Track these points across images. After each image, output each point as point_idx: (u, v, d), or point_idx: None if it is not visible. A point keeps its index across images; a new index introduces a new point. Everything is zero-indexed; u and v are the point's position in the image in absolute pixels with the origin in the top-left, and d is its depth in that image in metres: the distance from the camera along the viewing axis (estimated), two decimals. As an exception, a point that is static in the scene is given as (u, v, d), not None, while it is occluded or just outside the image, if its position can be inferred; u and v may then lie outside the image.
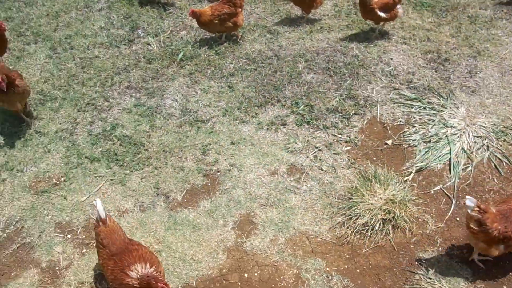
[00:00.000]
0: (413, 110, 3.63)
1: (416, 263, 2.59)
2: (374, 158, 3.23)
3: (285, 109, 3.57)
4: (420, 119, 3.55)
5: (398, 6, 4.27)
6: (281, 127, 3.42)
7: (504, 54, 4.37)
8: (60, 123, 3.42)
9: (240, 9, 4.04)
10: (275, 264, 2.57)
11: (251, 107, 3.56)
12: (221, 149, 3.20)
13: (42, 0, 4.89)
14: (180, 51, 4.06)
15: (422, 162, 3.20)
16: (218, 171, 3.05)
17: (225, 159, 3.13)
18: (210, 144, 3.23)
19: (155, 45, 4.19)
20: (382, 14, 4.18)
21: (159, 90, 3.69)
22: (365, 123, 3.51)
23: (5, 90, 2.90)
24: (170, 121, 3.43)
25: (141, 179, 2.99)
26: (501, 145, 3.34)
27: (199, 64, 3.97)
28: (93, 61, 4.01)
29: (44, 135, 3.32)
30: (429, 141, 3.36)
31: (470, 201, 2.33)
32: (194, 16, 3.96)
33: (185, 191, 2.92)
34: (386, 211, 2.73)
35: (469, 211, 2.35)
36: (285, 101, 3.64)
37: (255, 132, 3.36)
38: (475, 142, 3.36)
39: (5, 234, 2.74)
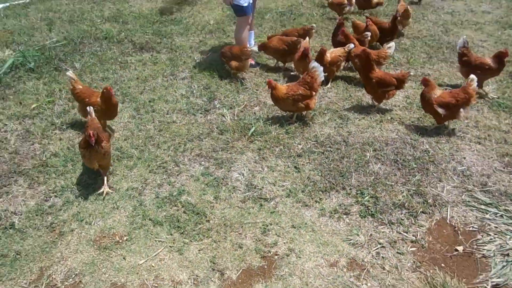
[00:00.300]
0: (487, 216, 3.40)
1: None
2: (443, 265, 3.00)
3: (350, 197, 3.51)
4: (496, 227, 3.31)
5: (461, 110, 4.20)
6: (344, 216, 3.33)
7: None
8: (131, 182, 3.60)
9: (314, 93, 4.20)
10: None
11: (315, 191, 3.54)
12: (281, 231, 3.16)
13: (135, 65, 5.44)
14: (252, 126, 4.23)
15: (499, 277, 2.92)
16: (276, 255, 2.98)
17: (284, 243, 3.07)
18: (271, 225, 3.21)
19: (228, 117, 4.41)
20: (441, 110, 4.18)
21: (228, 162, 3.81)
22: (433, 223, 3.33)
23: (93, 145, 3.15)
24: (234, 194, 3.48)
25: (199, 250, 3.00)
26: None
27: (268, 141, 4.08)
28: (170, 125, 4.28)
29: (116, 191, 3.50)
30: (508, 254, 3.08)
31: None
32: (270, 86, 4.18)
33: (241, 271, 2.87)
34: (456, 330, 2.48)
35: None
36: (350, 189, 3.59)
37: (317, 218, 3.30)
38: (561, 263, 3.04)
39: (63, 286, 2.81)
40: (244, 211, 3.32)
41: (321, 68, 4.20)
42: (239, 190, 3.52)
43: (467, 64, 4.99)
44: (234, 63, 4.96)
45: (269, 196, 3.46)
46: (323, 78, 4.25)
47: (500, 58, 4.94)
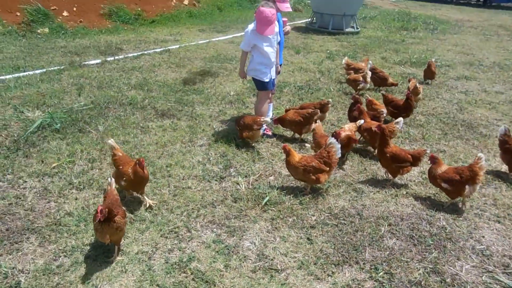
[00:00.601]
0: (511, 302, 3.22)
1: None
2: None
3: (363, 273, 3.39)
4: (521, 314, 3.11)
5: (467, 187, 4.17)
6: (360, 292, 3.20)
7: None
8: (142, 245, 3.57)
9: (329, 168, 4.24)
10: None
11: (327, 264, 3.43)
12: (292, 305, 3.03)
13: (155, 130, 5.65)
14: (266, 195, 4.24)
15: None
16: (286, 331, 2.83)
17: (294, 317, 2.93)
18: (281, 298, 3.09)
19: (243, 186, 4.45)
20: (445, 185, 4.22)
21: (240, 230, 3.78)
22: (454, 306, 3.15)
23: (99, 221, 3.11)
24: (245, 263, 3.41)
25: (206, 322, 2.88)
26: None
27: (282, 211, 4.07)
28: (185, 191, 4.33)
29: (125, 254, 3.47)
30: None
31: None
32: (285, 151, 4.29)
33: None
34: None
35: None
36: (363, 264, 3.47)
37: (329, 293, 3.17)
38: None
39: None
40: (254, 281, 3.22)
41: (339, 146, 4.28)
42: (250, 259, 3.45)
43: (509, 151, 5.04)
44: (245, 133, 5.13)
45: (280, 267, 3.37)
46: (339, 155, 4.31)
47: None
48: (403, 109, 6.37)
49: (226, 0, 17.48)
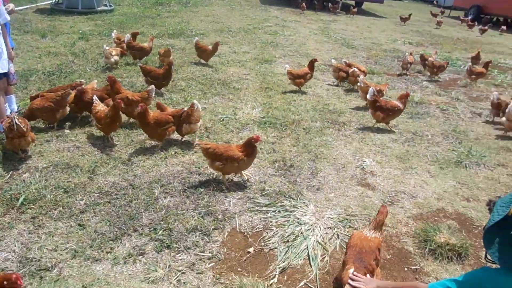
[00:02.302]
0: (269, 215, 3.83)
1: None
2: (239, 269, 3.20)
3: (143, 237, 3.42)
4: (276, 222, 3.75)
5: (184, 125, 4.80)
6: (140, 257, 3.22)
7: (336, 155, 5.08)
8: None
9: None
10: None
11: (105, 242, 3.32)
12: (70, 297, 2.82)
13: None
14: (21, 195, 3.73)
15: (284, 262, 3.29)
16: (67, 324, 2.63)
17: (75, 307, 2.74)
18: (56, 294, 2.83)
19: (-11, 194, 3.78)
20: None
21: (-7, 243, 3.23)
22: (225, 236, 3.54)
23: None
24: (6, 276, 2.94)
25: None
26: (348, 231, 3.67)
27: (44, 206, 3.66)
28: None
29: None
30: (287, 241, 3.51)
31: None
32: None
33: None
34: (255, 323, 2.64)
35: None
36: (142, 229, 3.51)
37: (110, 269, 3.08)
38: (326, 233, 3.64)
39: None
40: (20, 291, 2.83)
41: None
42: (10, 270, 3.00)
43: (379, 108, 5.81)
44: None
45: (50, 264, 3.06)
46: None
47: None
48: (163, 77, 6.56)
49: None
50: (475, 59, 10.31)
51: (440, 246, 3.50)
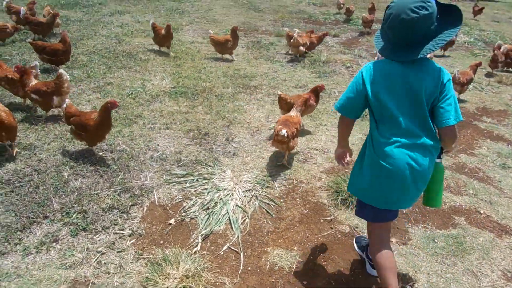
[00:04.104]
0: (187, 185, 3.85)
1: (223, 328, 2.60)
2: (161, 242, 3.21)
3: (55, 223, 3.25)
4: (195, 191, 3.79)
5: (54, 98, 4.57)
6: (54, 244, 3.06)
7: (249, 119, 5.20)
8: None
9: None
10: None
11: (11, 234, 3.09)
12: (-24, 297, 2.62)
13: None
14: None
15: (206, 228, 3.37)
16: (-24, 325, 2.45)
17: (-16, 307, 2.56)
18: (-41, 296, 2.61)
19: None
20: (34, 96, 4.52)
21: None
22: (145, 211, 3.50)
23: None
24: None
25: None
26: (265, 192, 3.85)
27: None
28: None
29: None
30: (208, 208, 3.59)
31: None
32: None
33: None
34: (182, 288, 2.71)
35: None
36: (53, 215, 3.32)
37: (21, 261, 2.89)
38: (245, 196, 3.78)
39: None
40: None
41: None
42: None
43: None
44: None
45: (-51, 265, 2.79)
46: None
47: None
48: (62, 52, 6.01)
49: None
50: (372, 10, 11.41)
51: (350, 196, 3.83)
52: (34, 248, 3.01)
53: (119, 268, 2.93)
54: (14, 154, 3.95)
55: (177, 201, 3.66)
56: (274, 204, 3.72)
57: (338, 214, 3.68)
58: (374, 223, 2.70)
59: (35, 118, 4.72)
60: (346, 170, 4.29)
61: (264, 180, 4.01)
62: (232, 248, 3.22)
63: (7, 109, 3.83)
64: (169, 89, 5.84)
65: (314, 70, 7.08)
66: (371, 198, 2.57)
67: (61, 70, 4.52)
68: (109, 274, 2.88)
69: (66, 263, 2.91)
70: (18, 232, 3.12)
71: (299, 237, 3.38)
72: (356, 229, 3.49)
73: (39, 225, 3.22)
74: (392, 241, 3.34)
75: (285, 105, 4.74)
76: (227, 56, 7.57)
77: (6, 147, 3.95)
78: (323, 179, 4.16)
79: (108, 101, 3.87)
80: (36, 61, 5.16)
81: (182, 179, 3.93)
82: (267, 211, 3.62)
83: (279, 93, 4.82)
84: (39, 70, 5.08)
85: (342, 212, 3.70)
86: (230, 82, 6.34)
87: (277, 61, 7.70)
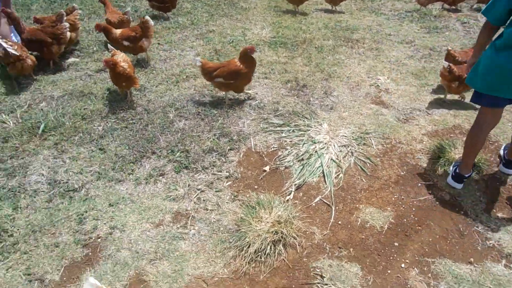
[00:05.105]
0: (283, 135, 3.89)
1: (312, 273, 2.67)
2: (256, 186, 3.33)
3: (162, 159, 3.54)
4: (290, 141, 3.81)
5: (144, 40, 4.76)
6: (160, 178, 3.36)
7: (349, 74, 4.98)
8: None
9: None
10: (174, 318, 2.43)
11: (126, 165, 3.45)
12: (99, 214, 3.01)
13: None
14: (41, 123, 3.82)
15: (300, 179, 3.40)
16: (99, 237, 2.84)
17: (104, 223, 2.94)
18: (86, 212, 3.02)
19: (11, 122, 3.88)
20: (125, 43, 4.68)
21: (21, 168, 3.38)
22: (241, 156, 3.63)
23: None
24: (38, 197, 3.13)
25: (7, 269, 2.63)
26: (362, 149, 3.73)
27: (64, 133, 3.76)
28: None
29: None
30: (302, 159, 3.60)
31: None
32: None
33: (63, 269, 2.64)
34: (274, 232, 2.81)
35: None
36: (160, 151, 3.61)
37: (133, 189, 3.24)
38: (340, 151, 3.70)
39: None
40: (53, 210, 3.03)
41: None
42: (42, 191, 3.18)
43: None
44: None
45: (78, 185, 3.23)
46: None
47: None
48: (168, 0, 6.26)
49: None
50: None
51: (450, 163, 3.53)
52: (143, 179, 3.33)
53: (216, 206, 3.13)
54: (130, 101, 4.25)
55: (272, 149, 3.72)
56: (369, 162, 3.60)
57: (438, 180, 3.44)
58: (488, 108, 3.00)
59: (145, 62, 5.05)
60: (451, 135, 3.95)
61: (361, 137, 3.87)
62: (324, 200, 3.22)
63: (129, 60, 4.15)
64: (269, 38, 5.80)
65: (423, 25, 6.44)
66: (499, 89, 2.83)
67: (147, 17, 4.72)
68: (207, 210, 3.10)
69: (171, 196, 3.19)
70: (131, 164, 3.47)
71: (393, 198, 3.26)
72: (457, 198, 3.25)
73: (148, 160, 3.53)
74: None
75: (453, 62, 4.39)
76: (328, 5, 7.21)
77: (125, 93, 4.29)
78: (424, 142, 3.88)
79: (247, 47, 4.00)
80: (128, 7, 5.60)
81: (278, 128, 3.96)
82: (362, 168, 3.52)
83: (449, 48, 4.50)
84: (130, 16, 5.50)
85: (443, 179, 3.45)
86: (331, 34, 6.07)
87: (382, 13, 7.14)
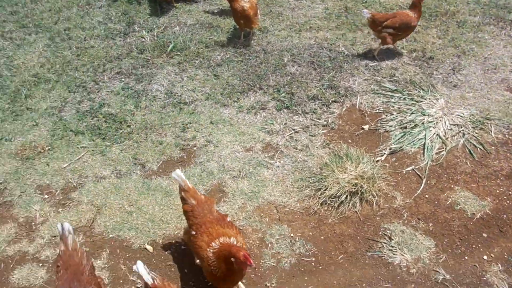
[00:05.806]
0: (392, 100, 3.72)
1: (381, 233, 2.62)
2: (350, 141, 3.30)
3: (267, 95, 3.70)
4: (398, 108, 3.63)
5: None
6: (261, 111, 3.53)
7: (488, 54, 4.46)
8: (51, 102, 3.59)
9: None
10: (241, 228, 2.63)
11: (233, 93, 3.69)
12: (200, 128, 3.32)
13: (47, -2, 5.19)
14: (171, 43, 4.26)
15: (397, 144, 3.26)
16: (195, 146, 3.16)
17: (203, 136, 3.24)
18: (190, 123, 3.36)
19: (148, 38, 4.40)
20: None
21: (148, 77, 3.86)
22: (344, 110, 3.60)
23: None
24: (155, 102, 3.57)
25: (121, 150, 3.12)
26: (477, 133, 3.39)
27: (188, 55, 4.15)
28: (88, 50, 4.23)
29: (34, 111, 3.49)
30: (405, 127, 3.43)
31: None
32: None
33: (161, 162, 3.03)
34: (354, 184, 2.79)
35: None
36: (267, 88, 3.77)
37: (235, 115, 3.47)
38: (451, 129, 3.42)
39: (-14, 196, 2.87)
40: (164, 115, 3.43)
41: None
42: (159, 98, 3.61)
43: None
44: None
45: (188, 100, 3.59)
46: None
47: None
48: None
49: None
50: None
51: None
52: (246, 109, 3.54)
53: (306, 148, 3.20)
54: (250, 39, 4.38)
55: (377, 111, 3.60)
56: (481, 148, 3.27)
57: None
58: None
59: (270, 5, 5.15)
60: None
61: (480, 121, 3.50)
62: (417, 171, 3.06)
63: (255, 2, 4.21)
64: (406, 4, 5.41)
65: None
66: None
67: None
68: (296, 149, 3.19)
69: (266, 129, 3.35)
70: (238, 93, 3.70)
71: (498, 191, 2.95)
72: None
73: (254, 93, 3.72)
74: None
75: None
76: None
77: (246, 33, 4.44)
78: None
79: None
80: None
81: (389, 93, 3.80)
82: (470, 152, 3.22)
83: None
84: None
85: None
86: (480, 11, 5.41)
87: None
